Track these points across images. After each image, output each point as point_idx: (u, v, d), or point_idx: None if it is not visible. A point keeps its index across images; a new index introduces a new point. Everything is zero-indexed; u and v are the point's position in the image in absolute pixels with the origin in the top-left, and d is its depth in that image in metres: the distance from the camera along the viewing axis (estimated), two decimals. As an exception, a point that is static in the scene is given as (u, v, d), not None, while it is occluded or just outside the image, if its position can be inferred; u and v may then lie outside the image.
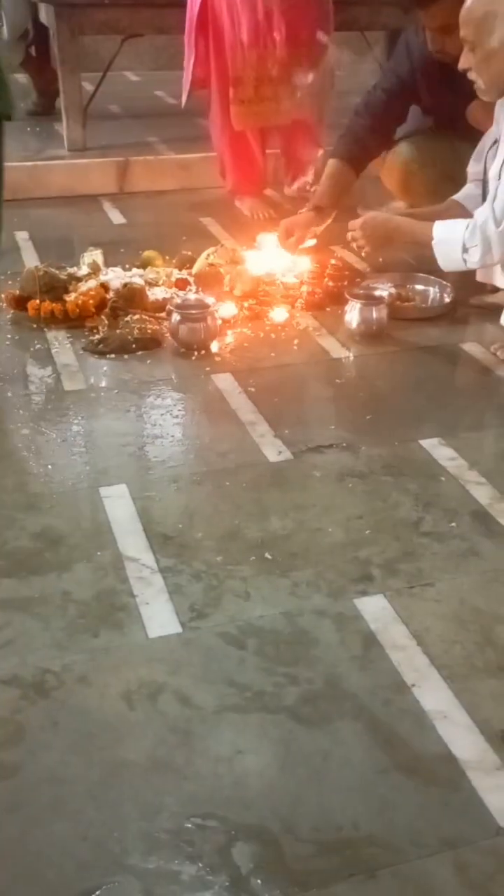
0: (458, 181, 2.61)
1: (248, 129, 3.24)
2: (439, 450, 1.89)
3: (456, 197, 2.51)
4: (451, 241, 2.25)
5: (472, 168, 2.46)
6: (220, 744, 1.20)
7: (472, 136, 2.49)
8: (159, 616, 1.42)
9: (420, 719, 1.24)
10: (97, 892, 1.02)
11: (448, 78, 2.48)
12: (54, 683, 1.29)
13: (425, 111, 2.74)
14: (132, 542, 1.59)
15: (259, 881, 1.03)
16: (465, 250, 2.22)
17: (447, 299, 2.53)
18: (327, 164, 2.76)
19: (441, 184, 2.80)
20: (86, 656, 1.34)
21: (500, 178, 2.19)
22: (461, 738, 1.22)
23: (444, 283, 2.55)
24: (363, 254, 2.62)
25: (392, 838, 1.08)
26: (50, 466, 1.82)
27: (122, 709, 1.25)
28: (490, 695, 1.29)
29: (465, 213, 2.36)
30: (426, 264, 2.56)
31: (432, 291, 2.60)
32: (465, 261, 2.25)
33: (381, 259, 2.75)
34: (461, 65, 2.17)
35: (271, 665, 1.33)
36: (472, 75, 2.16)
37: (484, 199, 2.30)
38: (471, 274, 2.38)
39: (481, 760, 1.19)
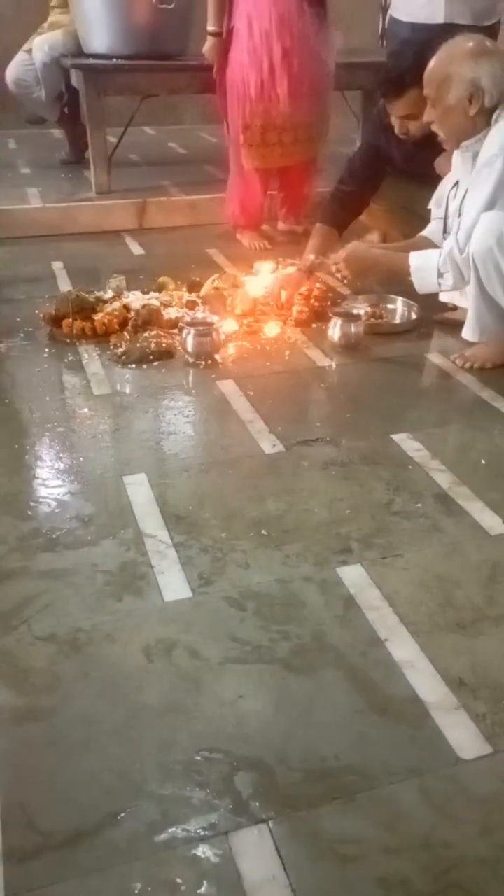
0: (414, 212, 2.62)
1: (256, 170, 3.20)
2: (408, 443, 1.88)
3: (423, 233, 2.50)
4: (427, 268, 2.22)
5: (434, 209, 2.45)
6: (224, 690, 1.20)
7: (432, 181, 2.48)
8: (173, 583, 1.42)
9: (391, 668, 1.24)
10: (121, 814, 1.02)
11: (418, 143, 2.47)
12: (85, 640, 1.29)
13: (399, 170, 2.71)
14: (150, 521, 1.58)
15: (257, 804, 1.03)
16: (440, 275, 2.20)
17: (414, 316, 2.52)
18: (314, 228, 2.72)
19: (399, 213, 2.81)
20: (111, 618, 1.34)
21: (459, 214, 2.18)
22: (426, 683, 1.22)
23: (412, 302, 2.54)
24: (345, 281, 2.61)
25: (367, 767, 1.08)
26: (81, 459, 1.82)
27: (142, 661, 1.25)
28: (450, 647, 1.29)
29: (432, 245, 2.35)
30: (394, 287, 2.56)
31: (401, 310, 2.59)
32: (440, 284, 2.23)
33: (358, 283, 2.74)
34: (425, 118, 2.16)
35: (267, 623, 1.33)
36: (434, 127, 2.15)
37: (445, 233, 2.29)
38: (434, 295, 2.37)
39: (442, 702, 1.19)
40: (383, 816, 1.02)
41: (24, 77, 4.13)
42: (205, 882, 0.94)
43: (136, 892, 0.93)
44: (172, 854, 0.97)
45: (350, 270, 2.47)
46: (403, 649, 1.28)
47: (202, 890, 0.93)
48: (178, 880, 0.94)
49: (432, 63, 2.07)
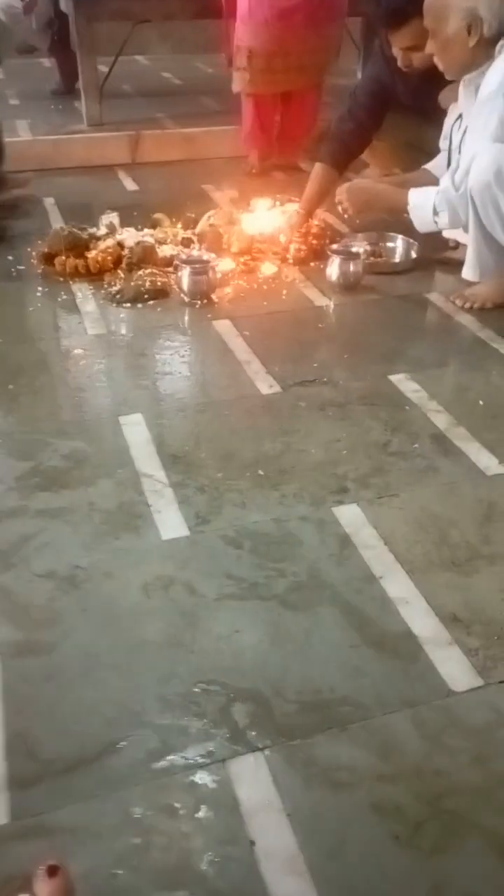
0: (419, 148, 2.54)
1: (255, 95, 3.14)
2: (405, 383, 1.86)
3: (426, 166, 2.43)
4: (423, 206, 2.18)
5: (442, 143, 2.38)
6: (220, 625, 1.21)
7: (438, 116, 2.39)
8: (170, 522, 1.42)
9: (386, 605, 1.26)
10: (122, 743, 1.04)
11: (423, 76, 2.36)
12: (83, 577, 1.30)
13: (403, 106, 2.61)
14: (147, 461, 1.58)
15: (253, 733, 1.06)
16: (435, 213, 2.15)
17: (414, 255, 2.47)
18: (314, 168, 2.62)
19: (402, 151, 2.72)
20: (109, 555, 1.34)
21: (460, 150, 2.12)
22: (420, 619, 1.23)
23: (412, 241, 2.48)
24: (346, 215, 2.54)
25: (361, 699, 1.10)
26: (77, 399, 1.80)
27: (140, 597, 1.26)
28: (444, 584, 1.30)
29: (434, 180, 2.29)
30: (395, 225, 2.50)
31: (401, 248, 2.53)
32: (436, 223, 2.19)
33: (357, 221, 2.67)
34: (427, 49, 2.08)
35: (263, 561, 1.34)
36: (435, 60, 2.07)
37: (448, 168, 2.22)
38: (436, 233, 2.31)
39: (435, 636, 1.20)
40: (377, 745, 1.05)
41: (13, 3, 3.94)
42: (203, 806, 0.97)
43: (137, 816, 0.95)
44: (171, 780, 1.00)
45: (351, 204, 2.42)
46: (398, 586, 1.29)
47: (200, 814, 0.96)
48: (177, 805, 0.97)
49: None
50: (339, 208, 2.50)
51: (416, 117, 2.59)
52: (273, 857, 0.92)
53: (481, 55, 2.00)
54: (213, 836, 0.94)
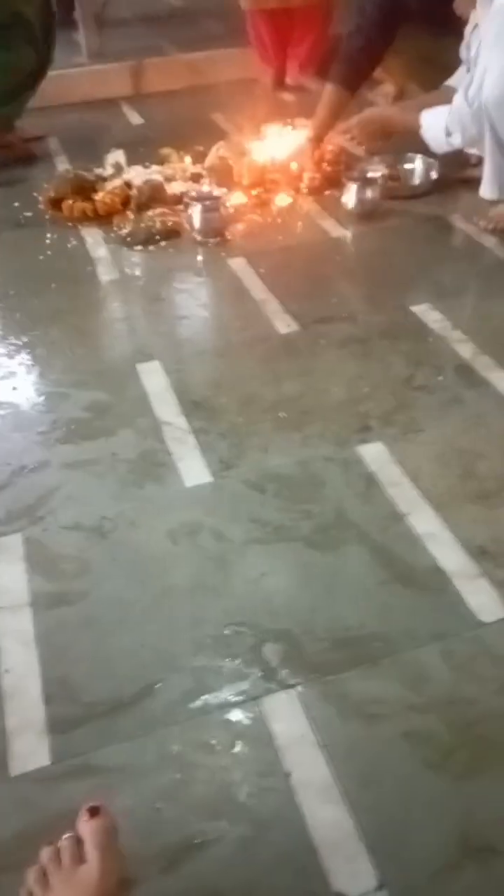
0: (435, 61, 2.43)
1: (258, 11, 3.10)
2: (428, 314, 1.84)
3: (448, 82, 2.33)
4: (435, 126, 2.16)
5: (463, 53, 2.27)
6: (248, 568, 1.24)
7: (455, 26, 2.27)
8: (193, 469, 1.44)
9: (413, 541, 1.28)
10: (157, 685, 1.09)
11: None
12: (110, 527, 1.33)
13: (416, 17, 2.48)
14: (167, 409, 1.59)
15: (286, 671, 1.09)
16: (448, 133, 2.13)
17: (434, 175, 2.40)
18: (324, 90, 2.51)
19: (418, 65, 2.61)
20: (135, 504, 1.37)
21: (476, 63, 2.03)
22: (447, 553, 1.25)
23: (432, 160, 2.40)
24: (360, 145, 2.47)
25: (391, 634, 1.13)
26: (93, 348, 1.81)
27: (168, 545, 1.29)
28: (471, 518, 1.31)
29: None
30: (416, 143, 2.42)
31: (421, 169, 2.45)
32: (450, 144, 2.16)
33: (371, 147, 2.58)
34: None
35: (288, 504, 1.36)
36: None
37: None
38: (458, 150, 2.24)
39: (464, 570, 1.22)
40: (407, 678, 1.08)
41: None
42: (239, 742, 1.01)
43: (174, 753, 1.01)
44: (207, 719, 1.04)
45: (363, 134, 2.38)
46: (425, 522, 1.31)
47: (237, 749, 1.01)
48: (213, 741, 1.02)
49: None
50: (354, 142, 2.42)
51: (430, 28, 2.46)
52: (309, 787, 0.96)
53: None
54: (251, 769, 0.99)
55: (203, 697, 1.07)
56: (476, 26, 2.10)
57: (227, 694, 1.07)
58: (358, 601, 1.18)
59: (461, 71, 2.28)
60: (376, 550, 1.26)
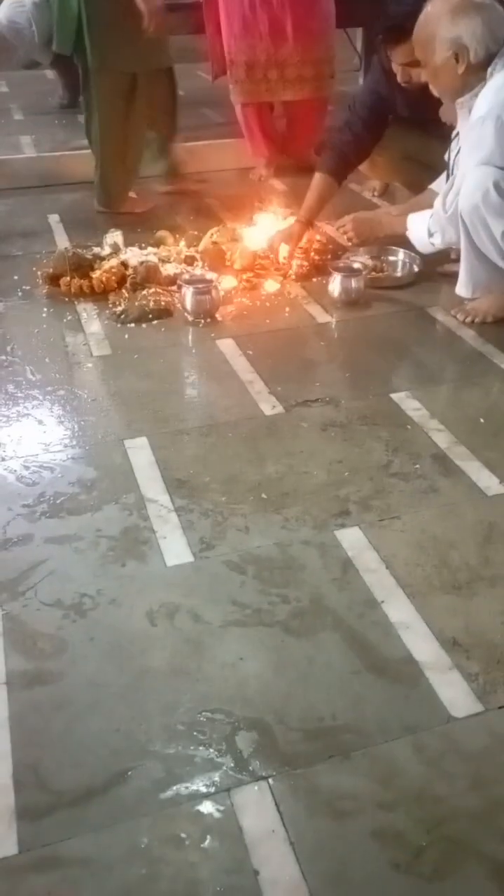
0: (420, 161, 2.58)
1: (246, 105, 3.26)
2: (407, 402, 1.88)
3: (432, 185, 2.46)
4: (419, 228, 2.29)
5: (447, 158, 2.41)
6: (225, 652, 1.24)
7: (438, 130, 2.41)
8: (175, 548, 1.45)
9: (387, 629, 1.28)
10: (129, 773, 1.07)
11: (423, 90, 2.38)
12: (90, 605, 1.33)
13: (404, 118, 2.63)
14: (152, 486, 1.61)
15: (258, 762, 1.08)
16: (430, 235, 2.26)
17: (416, 269, 2.49)
18: (314, 178, 2.62)
19: (402, 163, 2.74)
20: (115, 582, 1.37)
21: (453, 171, 2.16)
22: (421, 644, 1.25)
23: (414, 254, 2.50)
24: (350, 243, 2.58)
25: (363, 726, 1.13)
26: (83, 422, 1.83)
27: (146, 625, 1.29)
28: (445, 608, 1.32)
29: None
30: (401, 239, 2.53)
31: (403, 262, 2.55)
32: (432, 244, 2.29)
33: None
34: (422, 78, 2.15)
35: (266, 587, 1.36)
36: (430, 86, 2.12)
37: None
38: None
39: (436, 662, 1.22)
40: (378, 773, 1.07)
41: (17, 19, 3.95)
42: (208, 836, 0.99)
43: (144, 846, 0.98)
44: (177, 810, 1.02)
45: (356, 233, 2.51)
46: (400, 611, 1.31)
47: (206, 844, 0.98)
48: (183, 835, 0.99)
49: (417, 24, 2.03)
50: (345, 238, 2.54)
51: (416, 130, 2.61)
52: (277, 886, 0.94)
53: (473, 79, 2.02)
54: (219, 865, 0.96)
55: (174, 787, 1.05)
56: (457, 133, 2.22)
57: (199, 784, 1.05)
58: (332, 690, 1.18)
59: (444, 176, 2.40)
60: (351, 638, 1.26)
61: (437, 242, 2.25)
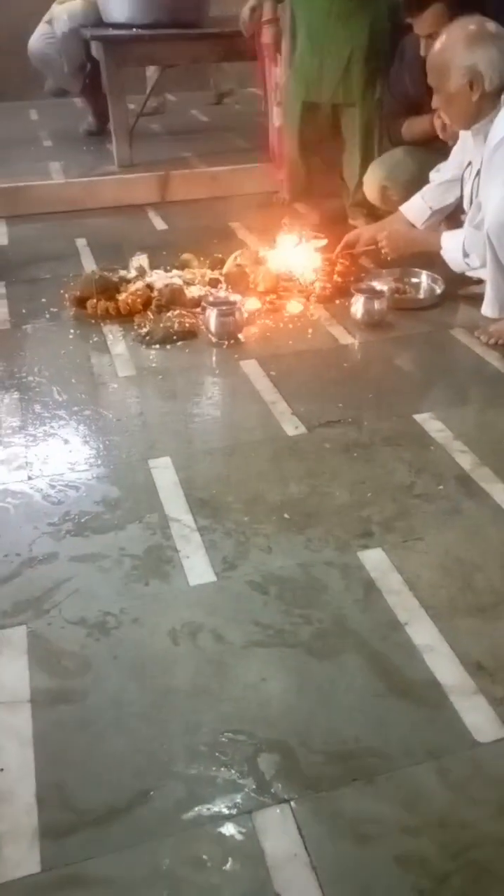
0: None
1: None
2: (430, 423, 1.88)
3: (401, 207, 2.55)
4: (454, 249, 2.28)
5: (432, 175, 2.45)
6: (247, 673, 1.24)
7: (437, 147, 2.46)
8: (198, 567, 1.45)
9: (411, 652, 1.27)
10: (151, 793, 1.06)
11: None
12: (114, 624, 1.33)
13: (410, 101, 2.67)
14: (175, 505, 1.61)
15: (280, 784, 1.07)
16: (465, 255, 2.26)
17: (439, 291, 2.49)
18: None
19: (412, 194, 2.76)
20: (139, 601, 1.38)
21: (474, 196, 2.18)
22: (445, 667, 1.24)
23: (436, 276, 2.51)
24: (388, 258, 2.60)
25: (387, 750, 1.12)
26: (108, 442, 1.85)
27: (169, 644, 1.29)
28: (469, 631, 1.31)
29: (405, 220, 2.54)
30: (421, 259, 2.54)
31: (426, 284, 2.56)
32: (467, 264, 2.29)
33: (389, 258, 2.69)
34: (433, 104, 2.18)
35: (289, 608, 1.36)
36: (442, 113, 2.15)
37: (463, 214, 2.32)
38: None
39: (461, 685, 1.21)
40: (402, 797, 1.06)
41: (46, 49, 4.08)
42: (230, 859, 0.99)
43: (166, 867, 0.98)
44: (199, 832, 1.02)
45: (391, 247, 2.52)
46: (423, 633, 1.30)
47: (227, 867, 0.98)
48: (205, 857, 0.99)
49: (433, 51, 2.07)
50: (382, 251, 2.56)
51: (418, 157, 2.66)
52: (299, 912, 0.93)
53: (487, 106, 2.06)
54: (241, 888, 0.96)
55: (196, 808, 1.05)
56: (470, 163, 2.24)
57: (221, 806, 1.05)
58: (355, 713, 1.17)
59: (415, 198, 2.49)
60: (374, 660, 1.25)
61: (475, 264, 2.24)
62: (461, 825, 1.02)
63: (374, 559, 1.46)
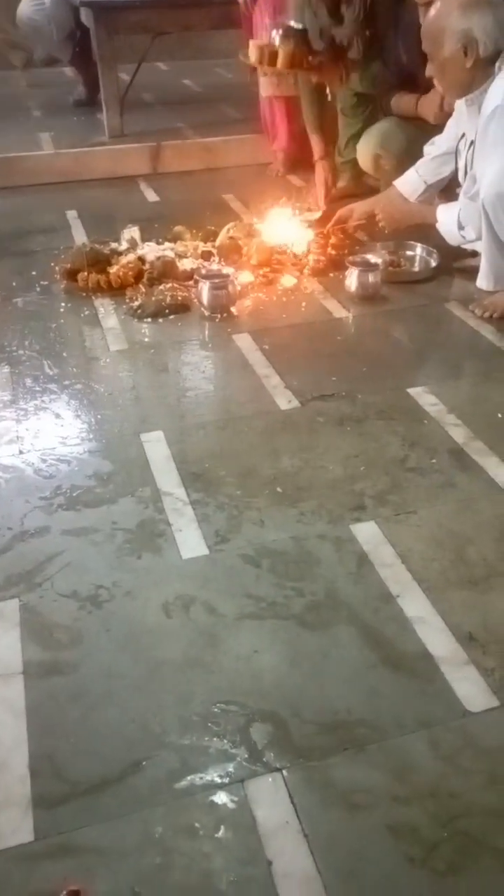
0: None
1: (274, 98, 3.28)
2: (424, 397, 1.87)
3: (396, 182, 2.50)
4: (450, 221, 2.25)
5: (427, 147, 2.41)
6: (240, 645, 1.24)
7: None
8: (190, 541, 1.45)
9: (403, 624, 1.27)
10: (143, 763, 1.07)
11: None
12: (106, 597, 1.33)
13: (403, 71, 2.63)
14: (168, 479, 1.61)
15: (271, 754, 1.08)
16: (461, 228, 2.23)
17: (434, 264, 2.47)
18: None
19: (406, 165, 2.73)
20: (131, 575, 1.37)
21: (469, 168, 2.14)
22: (436, 638, 1.24)
23: (432, 249, 2.48)
24: (386, 231, 2.57)
25: (378, 720, 1.12)
26: (99, 416, 1.83)
27: (161, 617, 1.29)
28: (461, 603, 1.31)
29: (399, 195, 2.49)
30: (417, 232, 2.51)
31: (421, 257, 2.53)
32: (463, 237, 2.26)
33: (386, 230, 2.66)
34: (427, 73, 2.13)
35: (281, 580, 1.36)
36: (436, 82, 2.12)
37: (458, 188, 2.28)
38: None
39: (452, 657, 1.21)
40: (393, 767, 1.06)
41: (35, 16, 3.99)
42: (222, 827, 0.99)
43: (158, 835, 0.98)
44: (191, 800, 1.02)
45: (387, 222, 2.50)
46: (415, 605, 1.30)
47: (219, 834, 0.98)
48: (197, 825, 0.99)
49: (428, 17, 2.04)
50: (381, 225, 2.53)
51: (411, 129, 2.62)
52: (290, 878, 0.94)
53: (480, 75, 2.02)
54: (232, 856, 0.96)
55: (188, 778, 1.05)
56: (464, 135, 2.21)
57: (213, 775, 1.05)
58: (346, 684, 1.17)
59: (410, 172, 2.45)
60: (366, 632, 1.25)
61: (470, 236, 2.22)
62: (451, 794, 1.03)
63: (366, 532, 1.46)
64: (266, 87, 3.28)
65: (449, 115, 2.32)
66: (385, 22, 2.68)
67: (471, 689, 1.16)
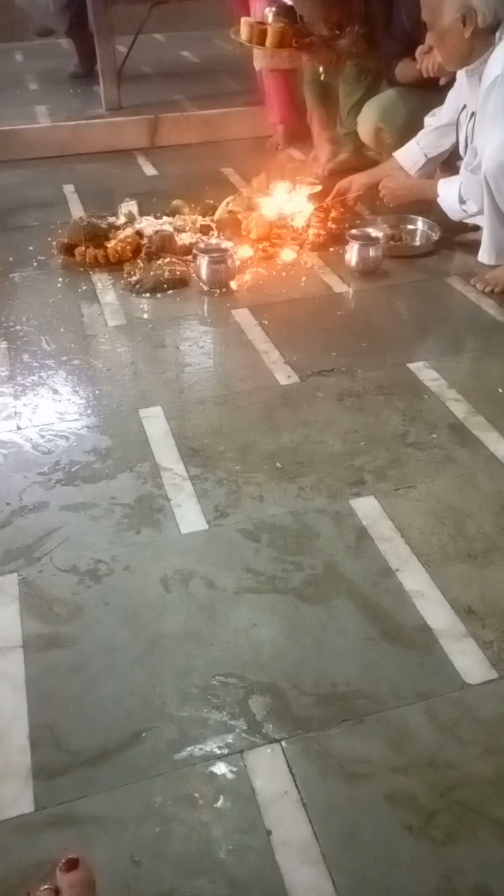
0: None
1: (269, 71, 3.23)
2: (424, 372, 1.86)
3: (395, 153, 2.49)
4: (451, 196, 2.24)
5: (427, 119, 2.38)
6: (239, 618, 1.24)
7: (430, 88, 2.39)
8: (189, 516, 1.44)
9: (402, 597, 1.27)
10: (143, 734, 1.08)
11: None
12: (105, 571, 1.33)
13: (407, 39, 2.58)
14: (167, 454, 1.60)
15: (270, 725, 1.08)
16: (462, 202, 2.21)
17: (435, 237, 2.45)
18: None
19: (408, 138, 2.69)
20: (130, 549, 1.38)
21: (470, 140, 2.11)
22: (435, 612, 1.25)
23: (433, 223, 2.46)
24: (390, 204, 2.54)
25: (377, 692, 1.13)
26: (98, 392, 1.83)
27: (160, 591, 1.29)
28: (459, 577, 1.31)
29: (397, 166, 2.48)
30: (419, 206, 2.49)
31: (422, 231, 2.51)
32: (464, 211, 2.24)
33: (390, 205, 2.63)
34: (427, 42, 2.10)
35: (281, 555, 1.36)
36: (436, 52, 2.09)
37: (460, 160, 2.25)
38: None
39: (451, 629, 1.22)
40: (391, 737, 1.07)
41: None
42: (221, 797, 1.00)
43: (157, 805, 0.99)
44: (191, 771, 1.03)
45: (390, 197, 2.48)
46: (414, 579, 1.30)
47: (218, 804, 0.99)
48: (196, 795, 1.00)
49: None
50: (384, 197, 2.51)
51: (412, 100, 2.59)
52: (289, 846, 0.95)
53: (479, 45, 1.99)
54: (232, 825, 0.97)
55: (188, 748, 1.06)
56: (465, 107, 2.18)
57: (212, 746, 1.06)
58: (345, 656, 1.18)
59: (411, 143, 2.42)
60: (365, 606, 1.26)
61: (472, 210, 2.20)
62: (449, 765, 1.04)
63: (366, 507, 1.45)
64: (259, 59, 3.23)
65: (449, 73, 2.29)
66: None
67: (469, 662, 1.16)
